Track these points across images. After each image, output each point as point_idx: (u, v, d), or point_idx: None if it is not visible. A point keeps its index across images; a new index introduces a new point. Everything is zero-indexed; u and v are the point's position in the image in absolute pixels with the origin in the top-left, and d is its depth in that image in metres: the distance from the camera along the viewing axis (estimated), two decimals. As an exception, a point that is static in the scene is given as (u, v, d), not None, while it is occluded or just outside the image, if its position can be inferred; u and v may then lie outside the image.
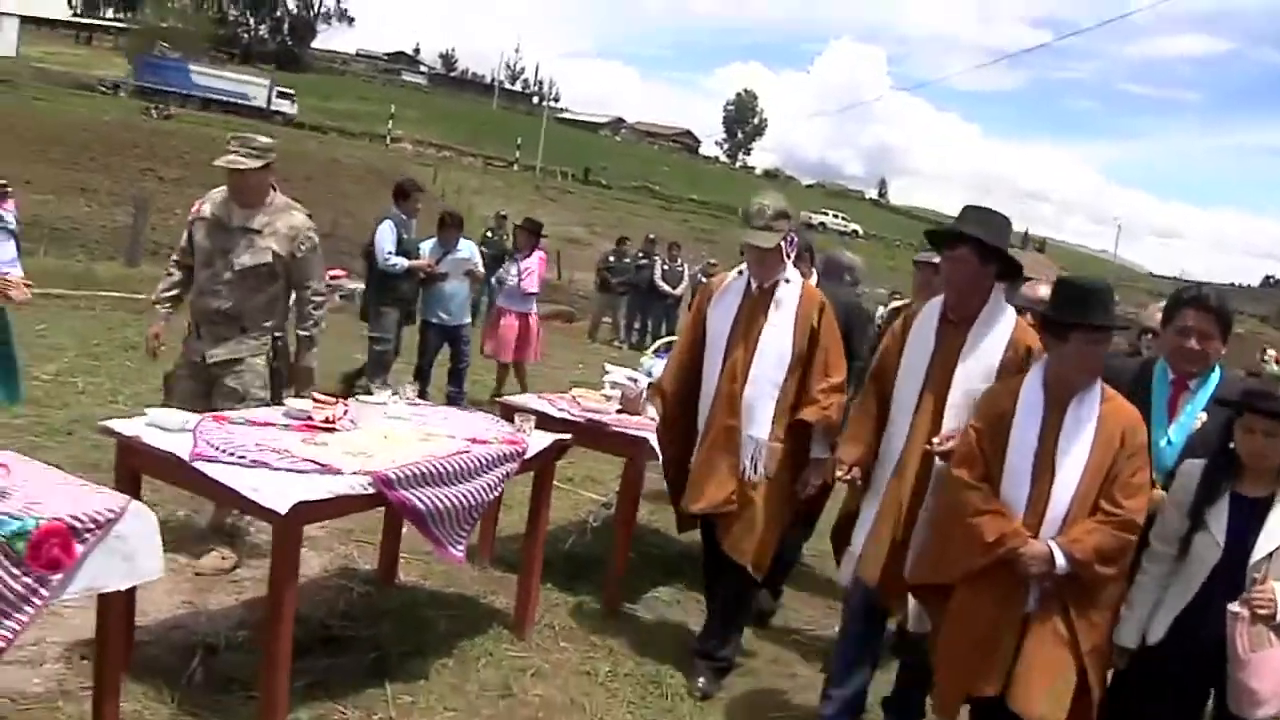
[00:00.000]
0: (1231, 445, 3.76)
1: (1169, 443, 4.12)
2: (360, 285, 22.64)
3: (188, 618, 5.04)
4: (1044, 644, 3.84)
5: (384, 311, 10.35)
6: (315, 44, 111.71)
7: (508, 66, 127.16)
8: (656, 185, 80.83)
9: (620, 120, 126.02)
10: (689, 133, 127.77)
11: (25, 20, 70.72)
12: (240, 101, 70.68)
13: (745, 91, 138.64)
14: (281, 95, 74.02)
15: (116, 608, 3.48)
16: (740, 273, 5.41)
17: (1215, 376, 4.15)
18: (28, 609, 3.03)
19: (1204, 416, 4.07)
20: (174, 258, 6.09)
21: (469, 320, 11.11)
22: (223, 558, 5.70)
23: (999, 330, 4.48)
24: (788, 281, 5.28)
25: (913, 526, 4.45)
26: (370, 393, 8.65)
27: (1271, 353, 25.68)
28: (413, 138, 76.42)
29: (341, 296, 21.63)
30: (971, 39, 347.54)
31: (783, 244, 5.19)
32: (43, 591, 3.06)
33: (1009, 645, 3.87)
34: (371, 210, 40.28)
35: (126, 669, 4.08)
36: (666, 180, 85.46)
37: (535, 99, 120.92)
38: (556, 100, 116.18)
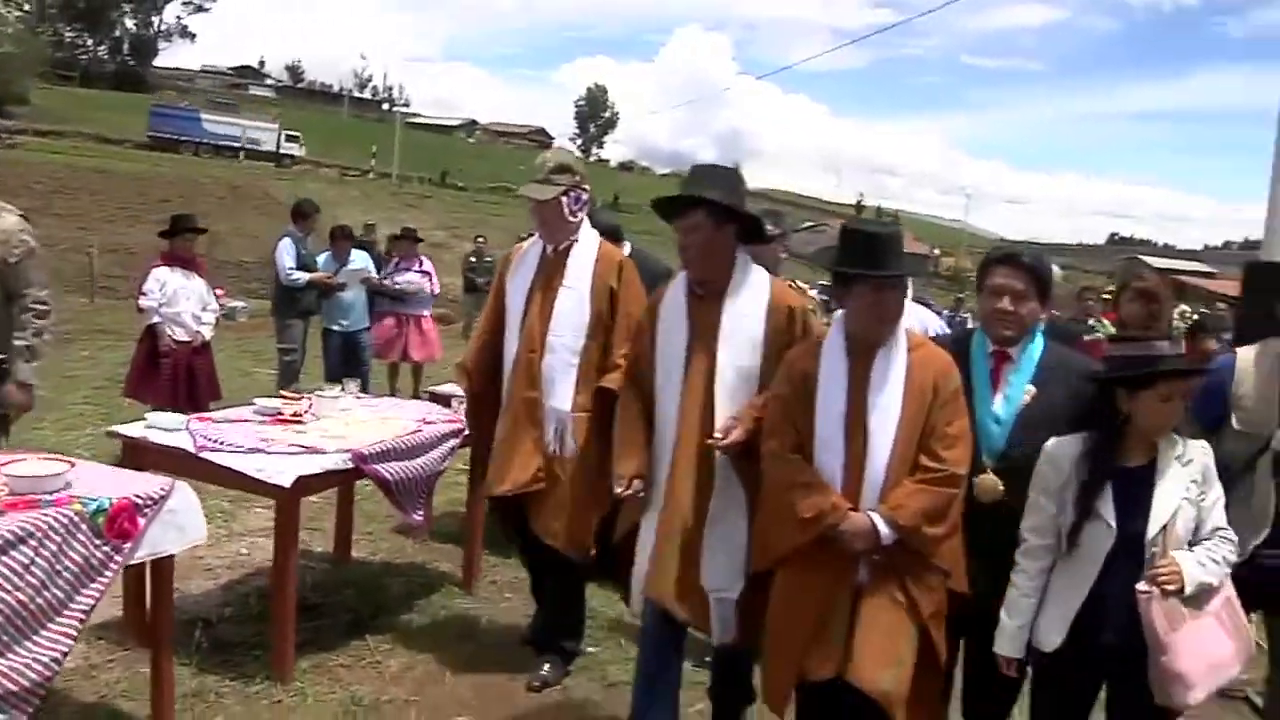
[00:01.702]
0: (1116, 418, 3.43)
1: (997, 421, 3.76)
2: (240, 303, 23.36)
3: (175, 600, 5.67)
4: (880, 613, 3.53)
5: (290, 324, 11.02)
6: (157, 62, 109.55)
7: (355, 74, 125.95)
8: (513, 184, 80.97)
9: (473, 122, 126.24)
10: (542, 130, 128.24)
11: None
12: (251, 146, 71.95)
13: (595, 86, 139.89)
14: (289, 139, 75.31)
15: (167, 576, 4.17)
16: (537, 239, 5.15)
17: (1038, 343, 3.83)
18: (107, 574, 3.71)
19: (1032, 390, 3.75)
20: None
21: (367, 325, 11.75)
22: None
23: (754, 296, 4.12)
24: (580, 242, 5.01)
25: (699, 530, 4.06)
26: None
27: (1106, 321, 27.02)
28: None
29: (223, 316, 22.03)
30: (815, 20, 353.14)
31: (564, 200, 4.90)
32: (117, 558, 3.74)
33: (842, 622, 3.56)
34: (233, 229, 40.01)
35: (140, 642, 4.76)
36: (523, 179, 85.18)
37: (385, 105, 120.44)
38: (407, 105, 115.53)
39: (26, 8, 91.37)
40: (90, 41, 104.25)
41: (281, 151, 72.60)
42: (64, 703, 4.50)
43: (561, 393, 4.87)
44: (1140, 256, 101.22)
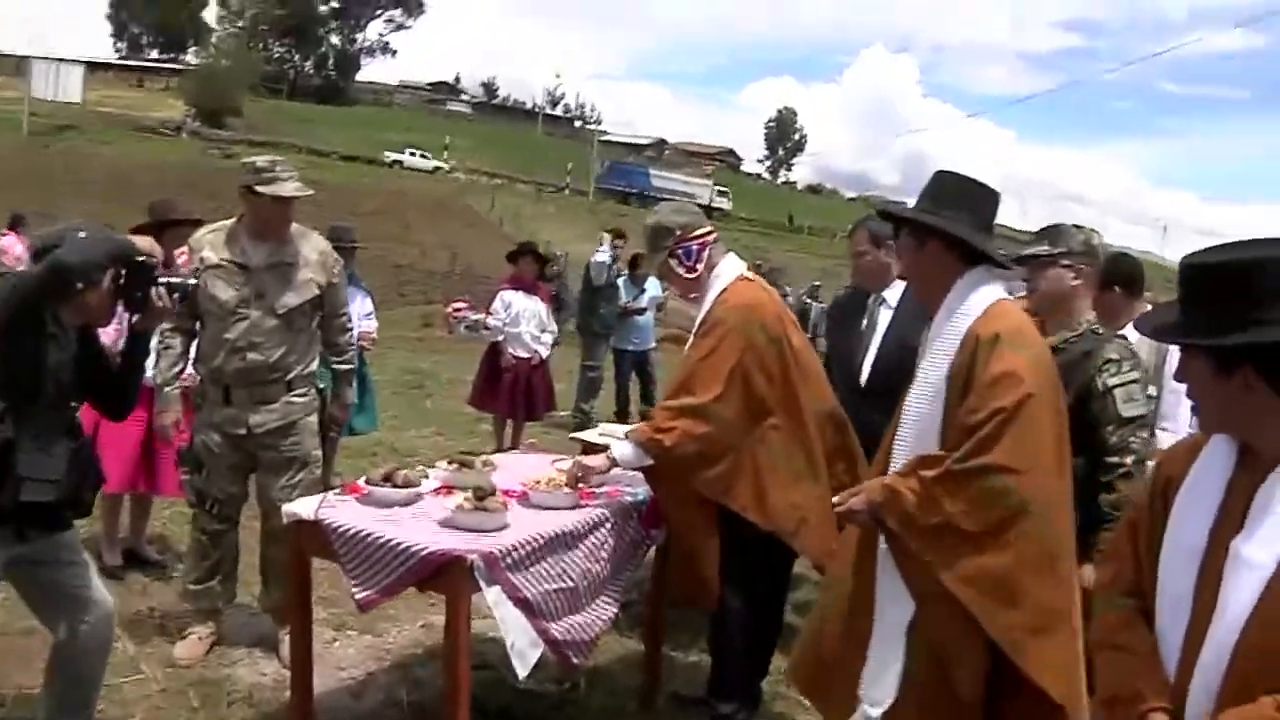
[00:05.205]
0: None
1: None
2: (483, 315, 24.67)
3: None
4: None
5: (596, 342, 12.23)
6: (358, 76, 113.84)
7: (548, 92, 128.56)
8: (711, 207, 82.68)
9: (663, 141, 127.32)
10: (731, 151, 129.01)
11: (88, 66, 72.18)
12: (686, 200, 78.10)
13: (785, 109, 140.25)
14: (720, 194, 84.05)
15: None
16: None
17: None
18: (639, 554, 4.72)
19: None
20: (166, 326, 4.97)
21: (654, 344, 12.87)
22: (199, 639, 5.24)
23: (956, 325, 3.30)
24: (708, 294, 4.67)
25: (865, 617, 3.42)
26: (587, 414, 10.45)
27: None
28: (465, 166, 78.11)
29: (466, 328, 23.09)
30: (1002, 43, 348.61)
31: (672, 262, 4.68)
32: (647, 542, 4.74)
33: None
34: (440, 239, 41.46)
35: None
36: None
37: (576, 123, 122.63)
38: (598, 123, 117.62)
39: (241, 24, 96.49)
40: (297, 57, 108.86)
41: (713, 205, 77.45)
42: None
43: None
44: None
